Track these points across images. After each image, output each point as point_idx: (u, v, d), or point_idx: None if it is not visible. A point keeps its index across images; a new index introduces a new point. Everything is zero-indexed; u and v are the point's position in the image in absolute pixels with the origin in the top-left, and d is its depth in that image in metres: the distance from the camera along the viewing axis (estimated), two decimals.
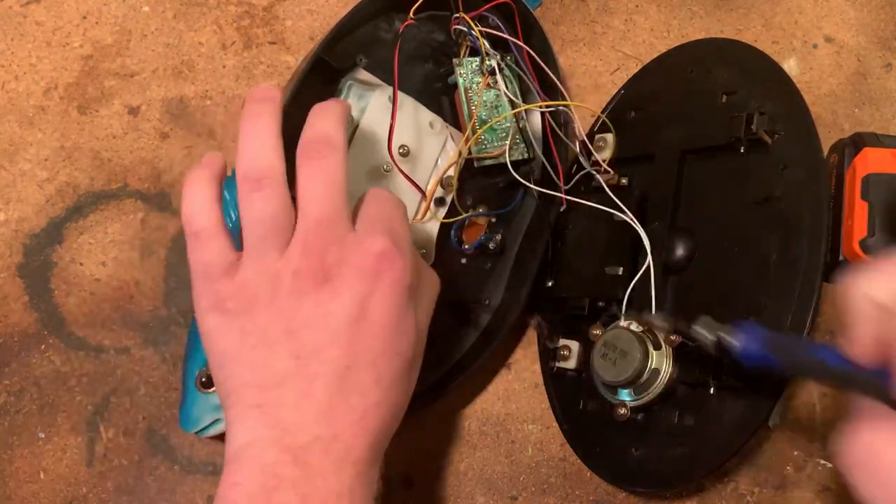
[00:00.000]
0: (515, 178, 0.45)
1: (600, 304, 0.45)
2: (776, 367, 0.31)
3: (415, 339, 0.35)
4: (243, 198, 0.35)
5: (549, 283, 0.48)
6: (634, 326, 0.42)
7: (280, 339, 0.33)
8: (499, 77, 0.45)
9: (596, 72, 0.54)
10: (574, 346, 0.46)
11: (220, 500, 0.31)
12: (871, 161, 0.47)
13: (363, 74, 0.43)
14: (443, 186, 0.45)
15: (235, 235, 0.46)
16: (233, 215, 0.47)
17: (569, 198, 0.47)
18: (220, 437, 0.44)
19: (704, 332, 0.32)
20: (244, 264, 0.35)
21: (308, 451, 0.32)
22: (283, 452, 0.31)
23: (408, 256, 0.35)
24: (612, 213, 0.44)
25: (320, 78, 0.42)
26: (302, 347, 0.33)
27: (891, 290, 0.23)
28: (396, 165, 0.43)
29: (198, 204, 0.36)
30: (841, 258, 0.48)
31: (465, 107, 0.46)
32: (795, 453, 0.48)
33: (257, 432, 0.32)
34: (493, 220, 0.48)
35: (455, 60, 0.46)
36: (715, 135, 0.43)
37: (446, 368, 0.47)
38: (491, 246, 0.48)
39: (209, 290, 0.35)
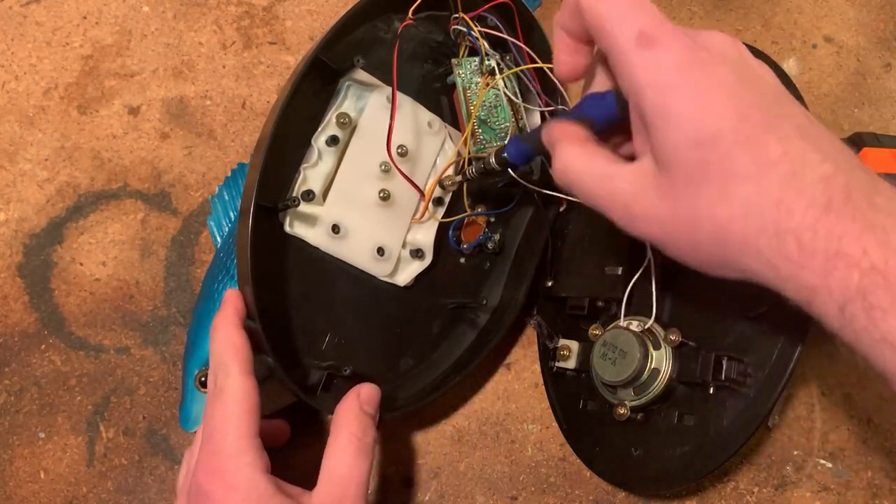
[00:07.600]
0: (515, 178, 0.45)
1: (600, 303, 0.45)
2: (532, 153, 0.39)
3: None
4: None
5: (549, 283, 0.48)
6: (634, 326, 0.42)
7: None
8: (498, 77, 0.45)
9: None
10: (574, 346, 0.46)
11: None
12: (870, 161, 0.47)
13: (362, 75, 0.43)
14: (441, 186, 0.45)
15: (232, 234, 0.46)
16: (231, 215, 0.47)
17: (568, 198, 0.47)
18: None
19: (491, 157, 0.41)
20: None
21: None
22: None
23: None
24: None
25: (319, 78, 0.42)
26: None
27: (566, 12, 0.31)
28: (395, 166, 0.43)
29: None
30: None
31: (464, 107, 0.45)
32: (795, 453, 0.48)
33: None
34: (492, 219, 0.48)
35: (454, 60, 0.46)
36: None
37: (445, 368, 0.47)
38: (489, 245, 0.48)
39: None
